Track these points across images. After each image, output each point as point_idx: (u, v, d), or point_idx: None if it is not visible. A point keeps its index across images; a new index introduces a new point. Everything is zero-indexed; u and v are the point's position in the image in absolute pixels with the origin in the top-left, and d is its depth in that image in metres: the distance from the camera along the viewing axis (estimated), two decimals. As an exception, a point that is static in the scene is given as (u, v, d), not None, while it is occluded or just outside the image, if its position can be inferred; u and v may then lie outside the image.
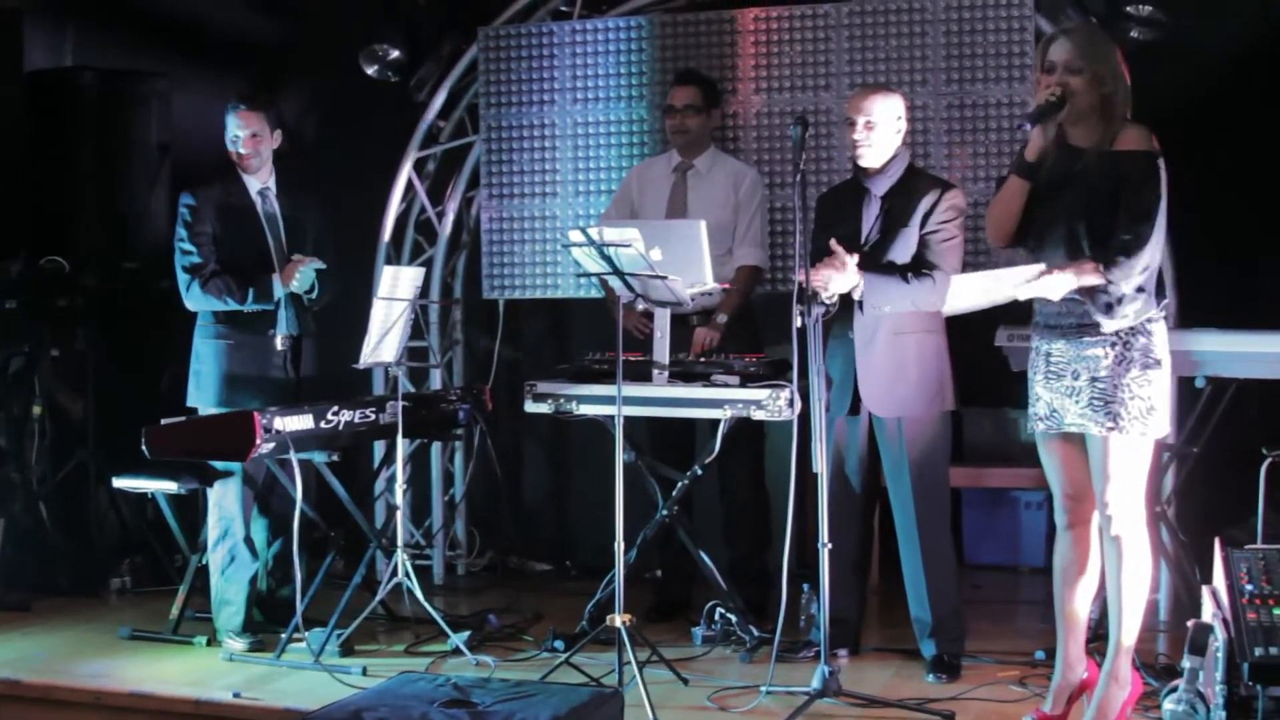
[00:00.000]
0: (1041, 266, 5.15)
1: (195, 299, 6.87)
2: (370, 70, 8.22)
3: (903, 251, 6.21)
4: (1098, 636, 5.76)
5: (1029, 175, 5.28)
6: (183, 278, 6.88)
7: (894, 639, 6.72)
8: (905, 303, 6.14)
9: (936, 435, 6.32)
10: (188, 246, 6.87)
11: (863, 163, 6.28)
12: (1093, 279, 5.09)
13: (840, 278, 6.00)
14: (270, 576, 7.07)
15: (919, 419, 6.26)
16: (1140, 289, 5.15)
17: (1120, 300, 5.14)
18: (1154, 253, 5.13)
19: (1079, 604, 5.49)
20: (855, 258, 6.03)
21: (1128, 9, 6.90)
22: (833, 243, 6.00)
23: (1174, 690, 5.16)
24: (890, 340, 6.20)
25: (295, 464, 6.35)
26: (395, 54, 8.19)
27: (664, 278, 5.94)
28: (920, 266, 6.18)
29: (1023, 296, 5.21)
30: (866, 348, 6.22)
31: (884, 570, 7.55)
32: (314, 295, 6.96)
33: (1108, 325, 5.15)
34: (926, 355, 6.23)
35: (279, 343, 6.90)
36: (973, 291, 5.38)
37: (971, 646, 6.45)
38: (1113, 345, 5.18)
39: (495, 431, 7.57)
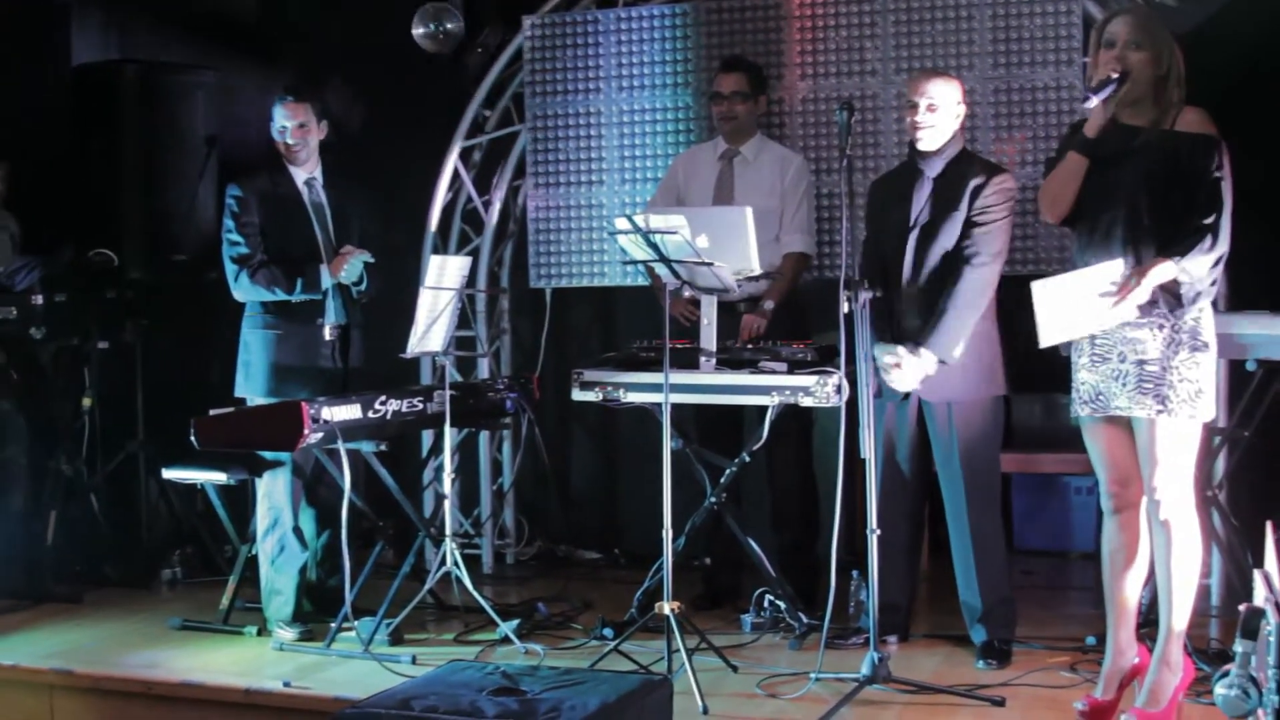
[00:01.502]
0: (1119, 263, 5.14)
1: (243, 289, 6.90)
2: (418, 31, 8.15)
3: (950, 234, 6.20)
4: (1149, 621, 5.72)
5: (1089, 152, 5.26)
6: (230, 268, 6.90)
7: (944, 625, 6.69)
8: (969, 325, 6.13)
9: (987, 421, 6.30)
10: (235, 237, 6.89)
11: (921, 145, 6.27)
12: (1170, 273, 5.08)
13: (909, 373, 6.08)
14: (319, 567, 7.09)
15: (969, 404, 6.24)
16: (1214, 282, 5.15)
17: (1199, 295, 5.14)
18: (1228, 242, 5.12)
19: (1128, 589, 5.45)
20: (903, 352, 6.12)
21: None
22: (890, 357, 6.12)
23: (1226, 675, 5.10)
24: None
25: (344, 454, 6.35)
26: (452, 25, 8.15)
27: (710, 265, 5.93)
28: (962, 250, 6.16)
29: (1116, 321, 5.19)
30: (914, 331, 6.20)
31: (934, 556, 7.53)
32: (362, 287, 6.98)
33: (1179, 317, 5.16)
34: (976, 340, 6.20)
35: (327, 333, 6.92)
36: (1065, 308, 5.19)
37: (1022, 632, 6.43)
38: (1160, 328, 5.16)
39: (543, 420, 7.57)
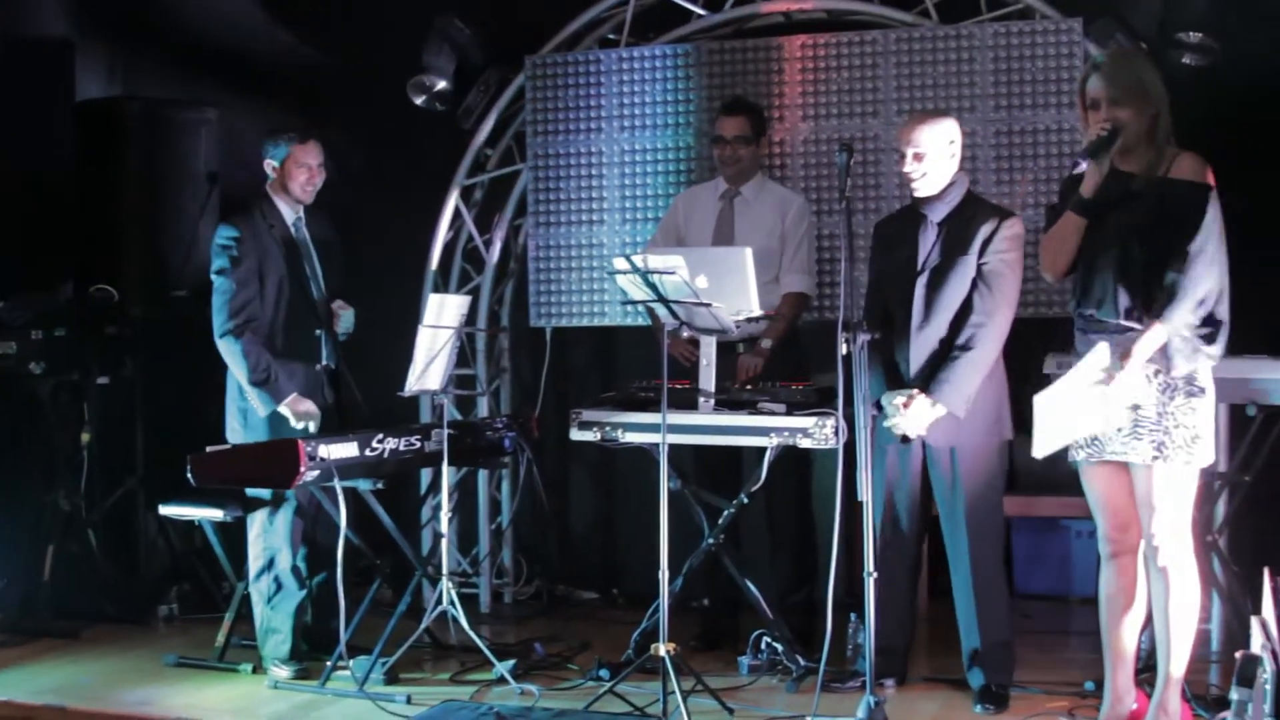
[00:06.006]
0: (1104, 348, 5.15)
1: (228, 344, 6.77)
2: (418, 100, 8.21)
3: (960, 280, 6.14)
4: (1149, 667, 5.70)
5: (1086, 212, 5.26)
6: (226, 318, 6.77)
7: (942, 669, 6.65)
8: (980, 377, 6.09)
9: (991, 465, 6.25)
10: (232, 285, 6.79)
11: (918, 193, 6.23)
12: (1159, 338, 5.07)
13: (917, 419, 6.04)
14: (312, 606, 7.03)
15: (973, 449, 6.19)
16: (1216, 321, 5.13)
17: (1199, 343, 5.12)
18: (1208, 287, 5.10)
19: (1126, 635, 5.45)
20: (916, 393, 6.06)
21: (1178, 36, 6.85)
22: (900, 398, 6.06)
23: (1223, 722, 5.10)
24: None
25: (339, 491, 6.33)
26: (442, 84, 8.17)
27: (708, 305, 5.92)
28: (973, 299, 6.12)
29: (1113, 425, 5.19)
30: (921, 376, 6.17)
31: (933, 599, 7.49)
32: (349, 329, 7.08)
33: (1182, 368, 5.14)
34: (983, 385, 6.15)
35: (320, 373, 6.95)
36: (1060, 419, 5.22)
37: (1020, 676, 6.38)
38: (1156, 373, 5.14)
39: (542, 459, 7.55)
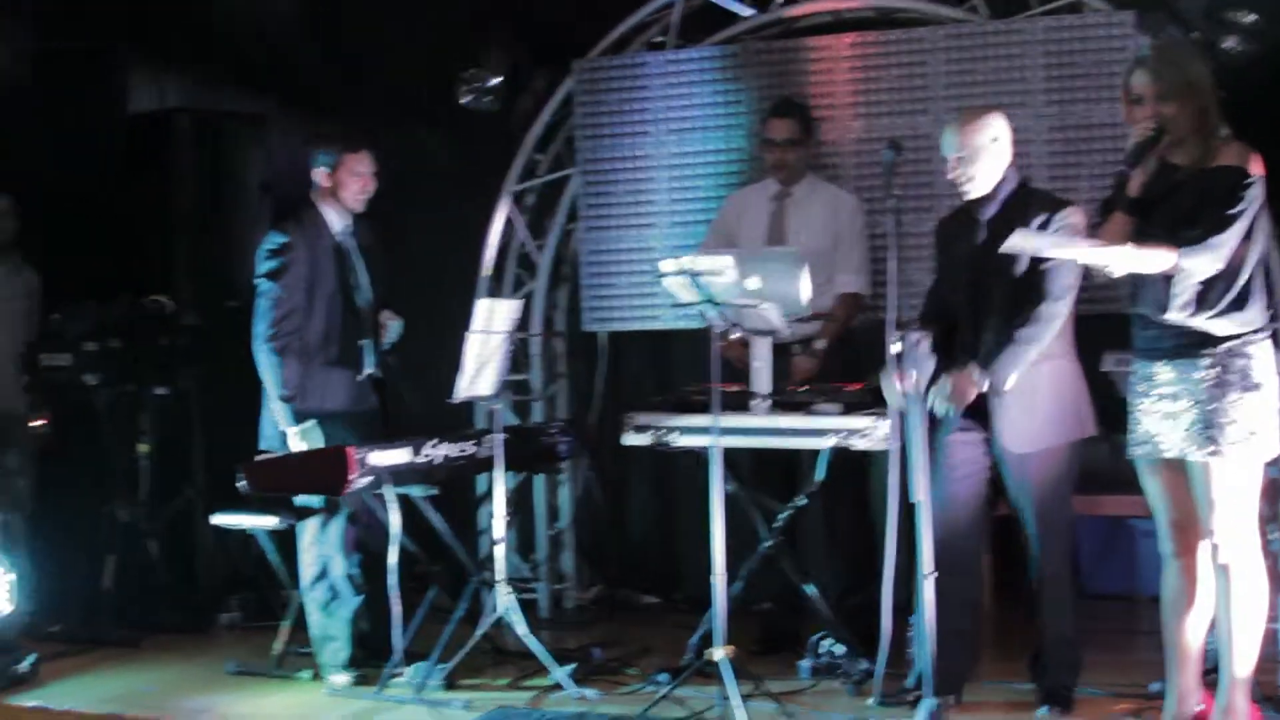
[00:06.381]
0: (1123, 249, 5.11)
1: (264, 355, 6.74)
2: (466, 99, 8.19)
3: (1014, 275, 5.96)
4: (1217, 668, 5.59)
5: (1133, 211, 5.20)
6: (268, 326, 6.75)
7: (1008, 671, 6.56)
8: (1027, 358, 5.91)
9: (1063, 465, 6.07)
10: (279, 292, 6.77)
11: (967, 196, 6.09)
12: (1166, 258, 5.02)
13: (968, 390, 5.92)
14: (369, 613, 7.01)
15: (1047, 449, 6.04)
16: (1214, 300, 5.06)
17: (1201, 296, 5.05)
18: (1228, 254, 5.05)
19: (1190, 635, 5.37)
20: (971, 367, 5.93)
21: (1227, 16, 6.75)
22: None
23: (1288, 724, 5.04)
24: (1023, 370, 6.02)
25: (391, 499, 6.33)
26: (493, 81, 8.15)
27: (754, 305, 5.88)
28: (1029, 291, 6.00)
29: (1086, 260, 5.29)
30: None
31: (998, 599, 7.41)
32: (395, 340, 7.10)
33: (1174, 317, 5.06)
34: (1061, 383, 6.01)
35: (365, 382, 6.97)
36: (1043, 247, 5.50)
37: (1086, 678, 6.28)
38: (1211, 368, 5.08)
39: (600, 464, 7.53)
